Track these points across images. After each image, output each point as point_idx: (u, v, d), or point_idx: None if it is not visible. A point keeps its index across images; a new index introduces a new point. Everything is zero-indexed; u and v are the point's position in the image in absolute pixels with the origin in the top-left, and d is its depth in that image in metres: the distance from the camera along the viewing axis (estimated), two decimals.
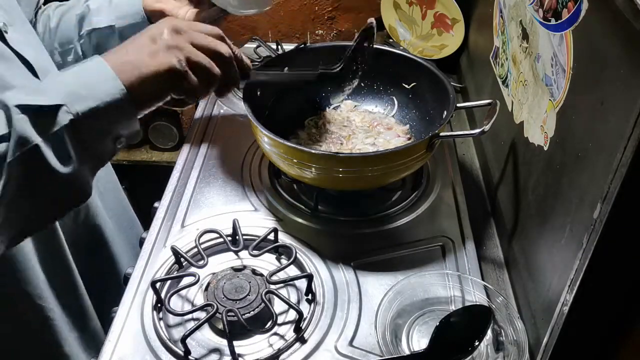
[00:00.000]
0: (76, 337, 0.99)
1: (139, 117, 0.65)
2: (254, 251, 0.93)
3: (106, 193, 1.10)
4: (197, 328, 0.82)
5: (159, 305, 0.87)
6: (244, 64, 0.74)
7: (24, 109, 0.57)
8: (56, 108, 0.58)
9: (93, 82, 0.60)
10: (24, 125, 0.57)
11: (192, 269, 0.91)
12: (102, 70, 0.61)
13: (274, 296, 0.87)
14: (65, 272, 0.96)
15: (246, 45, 1.21)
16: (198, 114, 1.30)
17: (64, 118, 0.58)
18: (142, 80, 0.62)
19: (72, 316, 0.98)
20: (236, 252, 0.95)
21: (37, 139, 0.57)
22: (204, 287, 0.89)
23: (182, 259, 0.92)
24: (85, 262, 1.01)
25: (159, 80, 0.63)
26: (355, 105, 1.21)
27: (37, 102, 0.58)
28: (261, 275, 0.90)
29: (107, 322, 0.89)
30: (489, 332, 0.83)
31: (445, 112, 1.03)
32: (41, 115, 0.58)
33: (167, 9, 0.99)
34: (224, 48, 0.68)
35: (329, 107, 1.21)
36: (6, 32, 0.82)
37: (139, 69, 0.62)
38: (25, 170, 0.58)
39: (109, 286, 1.06)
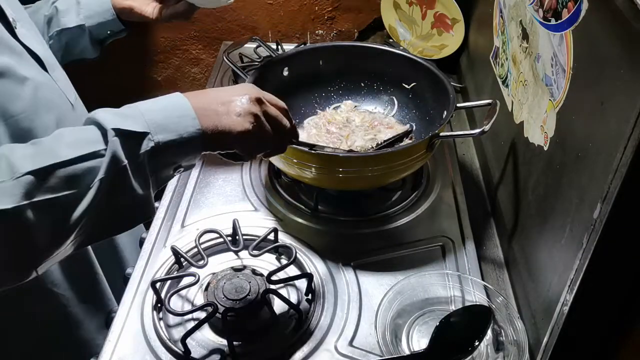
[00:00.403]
0: (91, 320, 1.01)
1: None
2: (254, 251, 0.93)
3: None
4: (197, 328, 0.82)
5: (159, 305, 0.87)
6: (296, 135, 0.82)
7: (118, 132, 0.63)
8: (143, 135, 0.65)
9: (175, 118, 0.67)
10: (117, 146, 0.63)
11: (192, 269, 0.91)
12: (185, 109, 0.68)
13: (274, 296, 0.87)
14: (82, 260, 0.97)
15: (246, 45, 1.21)
16: None
17: (147, 145, 0.65)
18: (218, 131, 0.69)
19: (87, 301, 1.00)
20: (236, 252, 0.95)
21: (125, 160, 0.64)
22: (204, 287, 0.89)
23: (182, 259, 0.93)
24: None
25: (231, 135, 0.70)
26: (356, 106, 1.22)
27: (129, 127, 0.64)
28: (261, 275, 0.90)
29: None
30: (489, 332, 0.83)
31: (445, 112, 1.03)
32: (130, 139, 0.64)
33: (136, 6, 1.02)
34: (286, 123, 0.77)
35: (329, 107, 1.22)
36: (15, 27, 0.84)
37: (219, 120, 0.69)
38: (111, 187, 0.64)
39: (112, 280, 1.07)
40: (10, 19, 0.84)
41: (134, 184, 0.65)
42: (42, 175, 0.60)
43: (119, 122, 0.64)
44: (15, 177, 0.59)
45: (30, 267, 0.64)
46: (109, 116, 0.65)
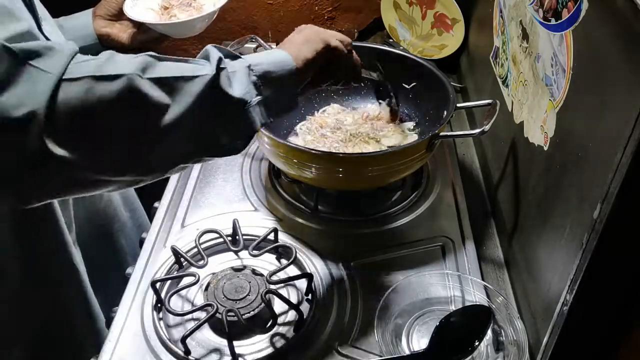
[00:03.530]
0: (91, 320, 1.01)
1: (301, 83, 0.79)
2: (254, 251, 0.93)
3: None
4: (197, 328, 0.82)
5: (159, 305, 0.87)
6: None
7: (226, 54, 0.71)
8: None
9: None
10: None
11: (192, 269, 0.91)
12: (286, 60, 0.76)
13: (274, 296, 0.87)
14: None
15: (246, 45, 1.21)
16: None
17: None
18: (306, 57, 0.78)
19: (87, 301, 1.01)
20: (236, 252, 0.95)
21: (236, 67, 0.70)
22: (204, 287, 0.89)
23: (182, 259, 0.93)
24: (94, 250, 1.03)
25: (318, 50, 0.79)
26: (344, 110, 1.21)
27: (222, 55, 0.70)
28: (261, 275, 0.90)
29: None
30: (489, 332, 0.83)
31: (445, 112, 1.03)
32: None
33: (113, 33, 1.07)
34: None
35: (317, 112, 1.21)
36: (42, 24, 0.86)
37: (306, 45, 0.79)
38: (218, 93, 0.68)
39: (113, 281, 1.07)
40: (39, 15, 0.86)
41: (236, 93, 0.69)
42: (160, 58, 0.67)
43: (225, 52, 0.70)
44: (135, 56, 0.65)
45: (145, 153, 0.66)
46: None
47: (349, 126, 1.16)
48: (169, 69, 0.66)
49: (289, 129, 1.18)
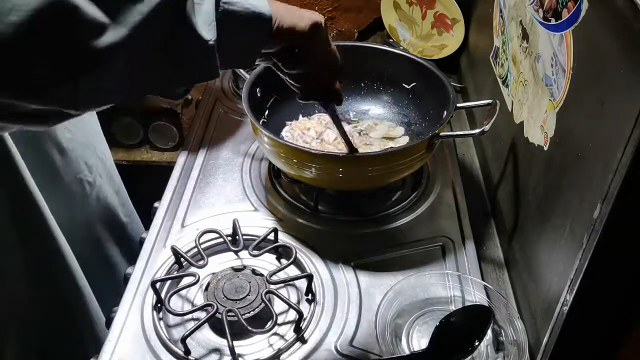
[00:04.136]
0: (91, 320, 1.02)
1: (273, 45, 0.72)
2: (254, 251, 0.93)
3: (121, 192, 1.14)
4: (197, 328, 0.81)
5: (159, 305, 0.87)
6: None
7: None
8: None
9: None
10: None
11: (192, 269, 0.91)
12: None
13: (274, 296, 0.87)
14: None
15: None
16: (198, 114, 1.30)
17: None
18: (286, 23, 0.70)
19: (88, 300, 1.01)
20: (236, 252, 0.95)
21: None
22: (204, 287, 0.89)
23: (182, 259, 0.92)
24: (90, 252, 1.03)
25: (296, 30, 0.71)
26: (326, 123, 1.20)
27: None
28: (261, 275, 0.90)
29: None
30: (489, 332, 0.83)
31: (445, 112, 1.03)
32: None
33: None
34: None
35: (310, 116, 1.20)
36: None
37: (288, 13, 0.71)
38: (179, 14, 0.58)
39: (109, 282, 1.08)
40: None
41: (200, 27, 0.59)
42: None
43: None
44: None
45: (65, 80, 0.53)
46: None
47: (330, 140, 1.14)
48: None
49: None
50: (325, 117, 1.16)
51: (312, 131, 1.15)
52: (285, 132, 1.16)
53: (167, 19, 0.56)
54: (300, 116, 1.19)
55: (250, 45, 0.69)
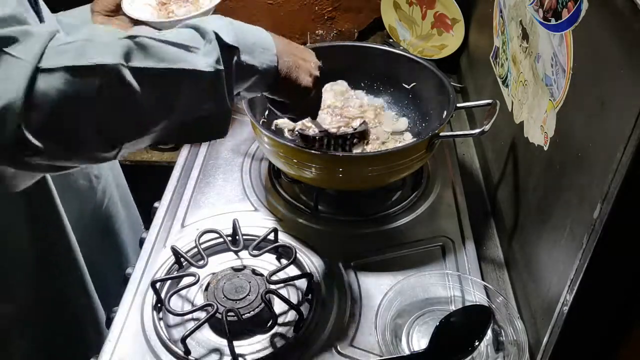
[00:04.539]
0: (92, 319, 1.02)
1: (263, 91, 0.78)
2: (254, 251, 0.93)
3: (120, 188, 1.14)
4: (197, 328, 0.82)
5: (159, 305, 0.87)
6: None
7: (218, 37, 0.67)
8: (234, 50, 0.68)
9: (260, 48, 0.72)
10: (217, 49, 0.66)
11: (192, 269, 0.91)
12: (269, 45, 0.73)
13: (274, 296, 0.87)
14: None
15: None
16: None
17: (234, 59, 0.68)
18: (288, 77, 0.76)
19: (88, 300, 1.01)
20: (236, 252, 0.95)
21: (222, 65, 0.66)
22: (204, 287, 0.89)
23: (182, 259, 0.93)
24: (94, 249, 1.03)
25: (295, 87, 0.78)
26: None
27: (226, 39, 0.67)
28: (261, 275, 0.90)
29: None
30: (489, 332, 0.83)
31: (445, 112, 1.03)
32: (225, 49, 0.67)
33: None
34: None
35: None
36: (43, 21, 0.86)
37: (293, 70, 0.77)
38: (205, 85, 0.66)
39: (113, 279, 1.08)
40: (43, 16, 0.87)
41: (224, 92, 0.67)
42: (142, 43, 0.61)
43: (217, 28, 0.67)
44: (118, 37, 0.61)
45: (117, 139, 0.63)
46: (203, 21, 0.68)
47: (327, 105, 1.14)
48: (159, 54, 0.62)
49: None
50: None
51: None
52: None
53: (204, 93, 0.66)
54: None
55: (248, 92, 0.76)
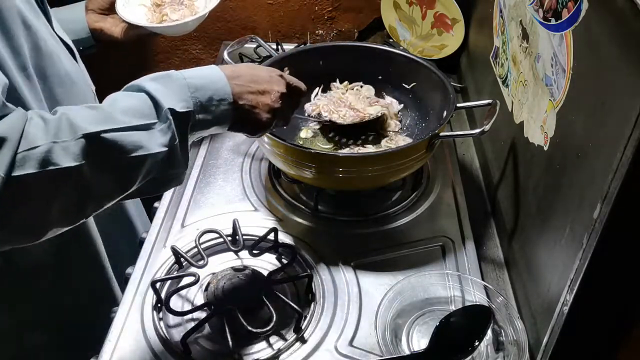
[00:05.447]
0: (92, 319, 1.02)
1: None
2: (254, 251, 0.93)
3: None
4: (197, 328, 0.82)
5: (159, 305, 0.87)
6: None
7: (172, 112, 0.68)
8: (190, 114, 0.70)
9: (216, 101, 0.73)
10: (173, 126, 0.69)
11: (192, 269, 0.91)
12: (226, 94, 0.73)
13: (274, 296, 0.87)
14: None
15: (246, 46, 1.21)
16: None
17: (190, 121, 0.71)
18: (246, 122, 0.77)
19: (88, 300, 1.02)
20: (236, 252, 0.95)
21: (177, 138, 0.69)
22: (204, 287, 0.89)
23: (182, 259, 0.93)
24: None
25: (253, 128, 0.79)
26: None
27: (181, 108, 0.69)
28: (261, 275, 0.90)
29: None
30: (489, 332, 0.83)
31: (445, 112, 1.03)
32: (181, 119, 0.69)
33: (105, 28, 1.08)
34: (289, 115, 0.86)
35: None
36: (52, 23, 0.90)
37: (251, 114, 0.77)
38: (163, 160, 0.69)
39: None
40: (51, 16, 0.89)
41: (180, 157, 0.71)
42: (100, 138, 0.64)
43: (170, 100, 0.68)
44: (76, 137, 0.62)
45: (81, 218, 0.68)
46: (159, 89, 0.69)
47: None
48: (117, 146, 0.65)
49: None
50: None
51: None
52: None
53: (162, 170, 0.70)
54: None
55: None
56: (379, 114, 1.12)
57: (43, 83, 0.84)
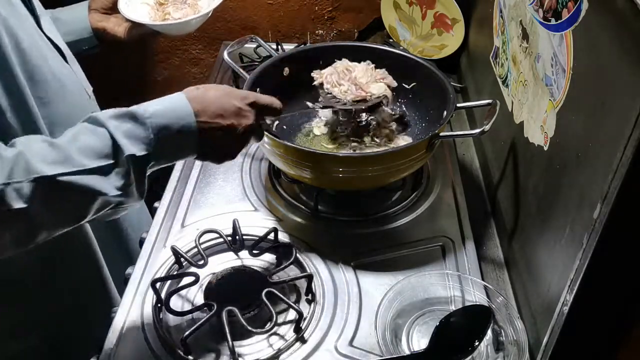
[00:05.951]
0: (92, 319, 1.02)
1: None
2: (254, 251, 0.93)
3: None
4: (197, 328, 0.81)
5: (159, 305, 0.87)
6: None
7: (130, 158, 0.69)
8: (149, 158, 0.70)
9: (178, 142, 0.73)
10: (130, 171, 0.70)
11: (192, 269, 0.91)
12: (191, 132, 0.73)
13: (274, 296, 0.87)
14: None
15: (246, 46, 1.21)
16: None
17: (149, 163, 0.71)
18: (210, 156, 0.79)
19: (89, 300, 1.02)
20: (236, 252, 0.95)
21: (134, 181, 0.70)
22: (204, 287, 0.89)
23: (182, 259, 0.93)
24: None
25: (217, 159, 0.80)
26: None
27: (139, 152, 0.69)
28: (261, 275, 0.90)
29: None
30: (489, 332, 0.83)
31: (445, 112, 1.03)
32: (139, 162, 0.70)
33: (108, 27, 1.08)
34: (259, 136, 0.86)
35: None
36: (40, 21, 0.89)
37: (216, 149, 0.78)
38: (118, 198, 0.70)
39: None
40: (38, 12, 0.88)
41: (135, 195, 0.72)
42: (55, 181, 0.64)
43: (130, 144, 0.69)
44: (30, 179, 0.63)
45: (33, 244, 0.69)
46: (121, 128, 0.69)
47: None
48: (73, 189, 0.66)
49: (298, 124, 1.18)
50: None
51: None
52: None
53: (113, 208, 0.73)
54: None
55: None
56: (381, 97, 1.09)
57: (31, 85, 0.83)
